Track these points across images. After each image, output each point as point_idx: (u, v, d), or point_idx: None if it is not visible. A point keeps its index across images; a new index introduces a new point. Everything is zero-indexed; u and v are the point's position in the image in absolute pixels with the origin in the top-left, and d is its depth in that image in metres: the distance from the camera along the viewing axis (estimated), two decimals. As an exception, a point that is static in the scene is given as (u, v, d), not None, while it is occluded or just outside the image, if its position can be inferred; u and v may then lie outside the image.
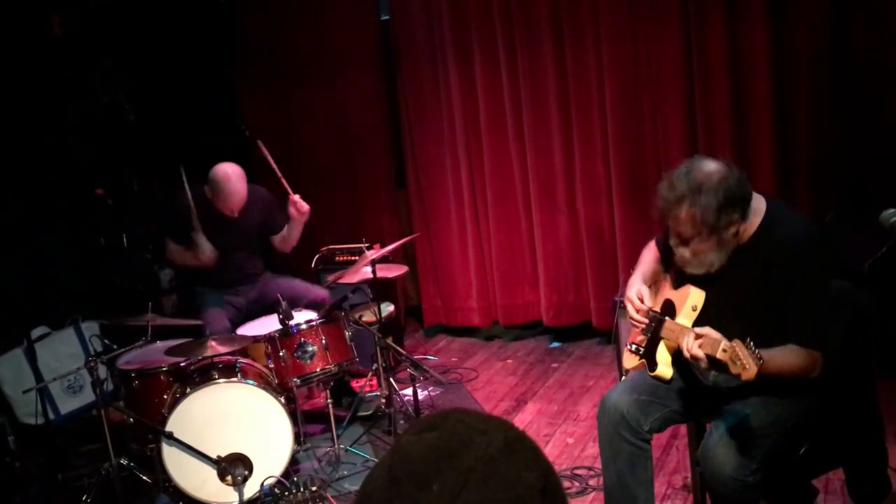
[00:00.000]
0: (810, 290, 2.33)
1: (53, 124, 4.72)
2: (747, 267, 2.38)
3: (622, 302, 3.63)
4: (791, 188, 4.50)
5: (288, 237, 4.49)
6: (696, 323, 2.41)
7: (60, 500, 3.74)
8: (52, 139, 4.70)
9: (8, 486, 3.84)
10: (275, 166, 4.29)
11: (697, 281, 2.47)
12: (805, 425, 2.47)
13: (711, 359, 2.20)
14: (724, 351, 2.13)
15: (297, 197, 4.37)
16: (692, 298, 2.47)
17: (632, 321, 2.67)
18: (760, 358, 2.07)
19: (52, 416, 4.27)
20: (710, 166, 2.31)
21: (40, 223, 4.67)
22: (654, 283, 2.77)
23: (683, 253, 2.39)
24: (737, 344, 2.11)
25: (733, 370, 2.10)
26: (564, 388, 4.59)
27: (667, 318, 2.54)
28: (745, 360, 2.06)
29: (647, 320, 2.60)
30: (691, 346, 2.24)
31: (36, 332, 4.40)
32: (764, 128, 4.47)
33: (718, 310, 2.43)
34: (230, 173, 4.19)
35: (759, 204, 2.40)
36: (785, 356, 2.29)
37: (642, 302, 2.64)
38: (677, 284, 2.61)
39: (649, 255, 2.83)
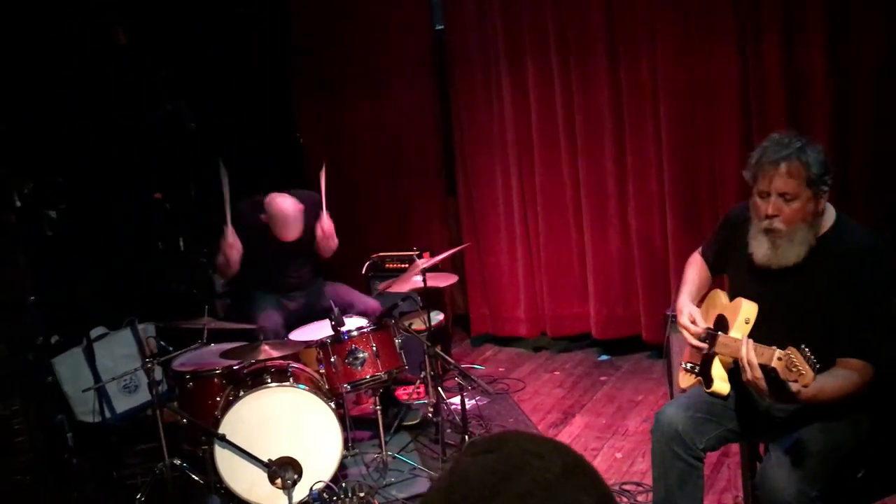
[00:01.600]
0: (871, 301, 2.31)
1: (116, 131, 4.84)
2: (810, 273, 2.35)
3: (673, 316, 3.61)
4: (848, 203, 4.40)
5: (320, 249, 4.49)
6: (750, 336, 2.38)
7: (115, 498, 3.82)
8: (114, 145, 4.83)
9: (66, 482, 3.94)
10: (324, 187, 4.27)
11: (760, 289, 2.45)
12: (863, 449, 2.42)
13: (766, 369, 2.18)
14: (780, 359, 2.11)
15: (326, 216, 4.33)
16: (745, 311, 2.45)
17: (692, 347, 2.65)
18: (816, 363, 2.05)
19: (108, 414, 4.37)
20: (797, 135, 2.38)
21: (101, 227, 4.80)
22: (701, 301, 2.75)
23: (779, 226, 2.35)
24: (791, 351, 2.09)
25: (789, 377, 2.08)
26: (613, 401, 4.56)
27: (720, 332, 2.52)
28: (801, 366, 2.05)
29: (704, 344, 2.57)
30: (747, 353, 2.22)
31: (94, 333, 4.51)
32: (822, 140, 4.37)
33: (772, 321, 2.40)
34: (288, 213, 4.18)
35: (830, 211, 2.42)
36: (835, 381, 2.26)
37: (695, 324, 2.61)
38: (731, 297, 2.58)
39: (694, 272, 2.80)
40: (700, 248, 2.88)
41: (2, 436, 3.64)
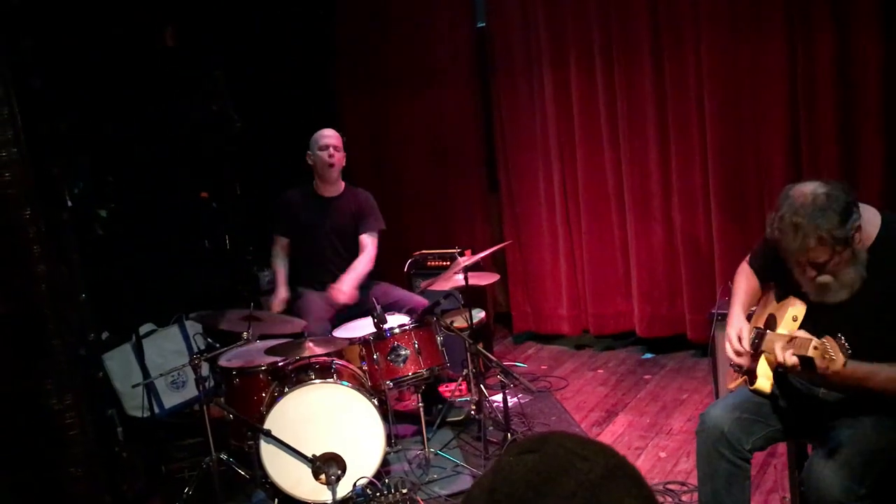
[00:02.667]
0: None
1: (164, 131, 4.94)
2: (865, 284, 2.30)
3: (719, 315, 3.57)
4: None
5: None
6: None
7: (164, 492, 3.90)
8: (162, 145, 4.92)
9: (116, 475, 4.03)
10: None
11: (802, 293, 2.41)
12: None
13: (805, 361, 2.16)
14: (816, 348, 2.09)
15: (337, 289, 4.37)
16: (793, 310, 2.43)
17: (730, 364, 2.63)
18: (849, 350, 2.04)
19: (156, 409, 4.45)
20: (809, 188, 2.27)
21: (150, 225, 4.90)
22: (755, 310, 2.72)
23: (825, 280, 2.31)
24: (827, 339, 2.08)
25: (822, 364, 2.06)
26: (657, 400, 4.52)
27: (768, 331, 2.49)
28: (832, 353, 2.04)
29: (743, 363, 2.55)
30: (782, 353, 2.22)
31: (143, 329, 4.60)
32: (873, 139, 4.29)
33: (823, 321, 2.36)
34: (329, 135, 4.51)
35: (873, 216, 2.35)
36: (891, 369, 2.23)
37: (740, 342, 2.56)
38: (780, 297, 2.55)
39: (744, 282, 2.76)
40: (748, 258, 2.83)
41: (56, 429, 3.74)
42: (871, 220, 2.34)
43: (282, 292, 4.45)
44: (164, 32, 5.00)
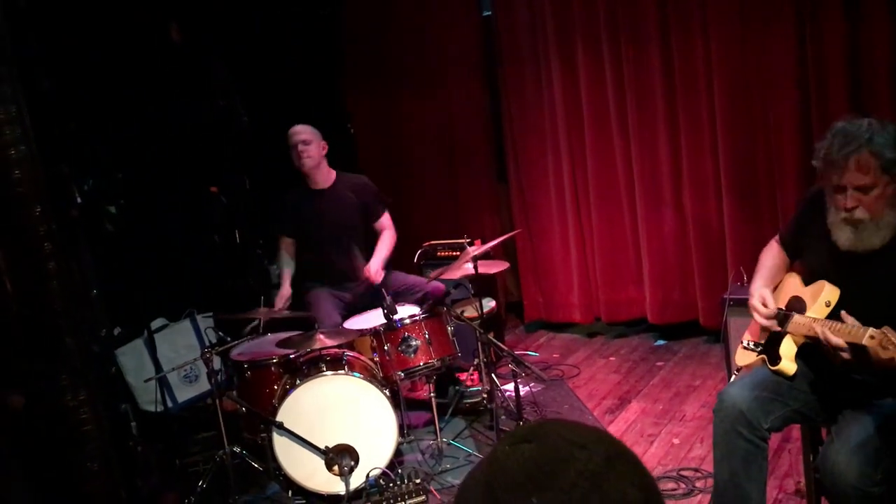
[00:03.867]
0: None
1: (172, 126, 4.94)
2: (893, 255, 2.28)
3: (731, 300, 3.54)
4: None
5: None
6: (829, 318, 2.34)
7: (178, 485, 3.92)
8: (171, 141, 4.93)
9: (131, 469, 4.05)
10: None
11: (845, 274, 2.40)
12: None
13: (857, 349, 2.14)
14: (872, 337, 2.06)
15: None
16: (826, 294, 2.41)
17: (761, 328, 2.62)
18: None
19: (170, 404, 4.48)
20: (864, 119, 2.29)
21: (160, 221, 4.91)
22: (776, 286, 2.70)
23: (862, 216, 2.29)
24: (887, 329, 2.05)
25: (884, 355, 2.03)
26: (670, 387, 4.50)
27: (794, 313, 2.47)
28: None
29: (774, 322, 2.55)
30: (832, 338, 2.20)
31: (155, 324, 4.62)
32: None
33: (860, 300, 2.33)
34: (294, 127, 4.46)
35: None
36: None
37: (765, 306, 2.56)
38: (811, 280, 2.52)
39: (770, 259, 2.74)
40: (777, 235, 2.81)
41: (71, 425, 3.76)
42: None
43: (285, 289, 4.46)
44: (170, 27, 4.99)
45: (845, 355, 2.20)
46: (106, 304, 4.24)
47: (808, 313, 2.42)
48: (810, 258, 2.60)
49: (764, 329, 2.60)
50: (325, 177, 4.52)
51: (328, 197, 4.50)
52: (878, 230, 2.30)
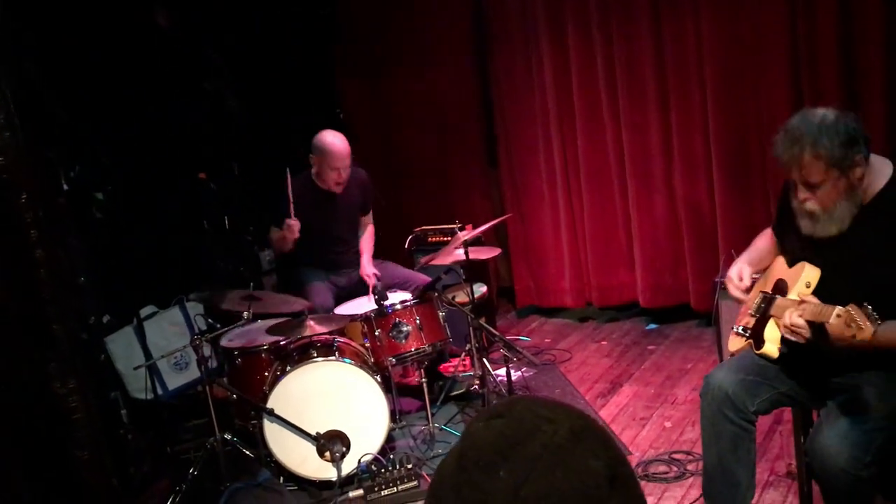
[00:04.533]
0: None
1: (159, 112, 4.89)
2: (872, 229, 2.30)
3: (723, 283, 3.54)
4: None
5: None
6: None
7: (170, 473, 3.90)
8: (157, 126, 4.88)
9: (122, 457, 4.04)
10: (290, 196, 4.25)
11: (813, 258, 2.40)
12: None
13: (818, 328, 2.15)
14: (839, 316, 2.06)
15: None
16: (806, 276, 2.41)
17: (735, 299, 2.63)
18: (878, 319, 2.01)
19: (160, 391, 4.45)
20: (820, 110, 2.30)
21: (148, 207, 4.87)
22: (762, 270, 2.70)
23: (813, 208, 2.32)
24: (852, 307, 2.05)
25: (847, 333, 2.03)
26: (661, 370, 4.51)
27: (778, 296, 2.47)
28: (861, 322, 2.01)
29: (746, 296, 2.57)
30: (790, 316, 2.23)
31: (144, 311, 4.59)
32: (876, 97, 4.22)
33: (838, 282, 2.34)
34: (338, 142, 4.27)
35: (884, 166, 2.35)
36: None
37: (741, 280, 2.58)
38: (791, 263, 2.52)
39: (762, 242, 2.77)
40: (772, 223, 2.82)
41: (60, 413, 3.74)
42: (881, 169, 2.34)
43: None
44: (157, 12, 4.94)
45: (805, 333, 2.22)
46: (94, 291, 4.21)
47: (790, 295, 2.42)
48: (786, 241, 2.62)
49: (752, 314, 2.60)
50: None
51: (336, 198, 4.40)
52: (832, 221, 2.32)
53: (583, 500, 0.88)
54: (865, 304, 2.04)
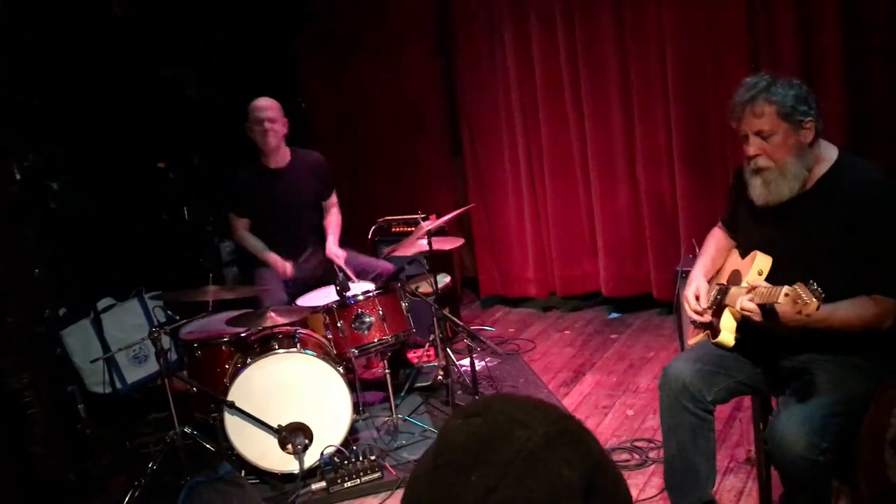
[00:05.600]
0: (887, 234, 2.27)
1: (115, 100, 4.80)
2: (818, 212, 2.34)
3: (684, 272, 3.57)
4: (862, 148, 4.31)
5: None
6: None
7: (129, 467, 3.84)
8: (113, 115, 4.79)
9: (80, 452, 3.97)
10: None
11: (765, 244, 2.43)
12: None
13: (770, 311, 2.18)
14: (787, 294, 2.09)
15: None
16: (758, 263, 2.43)
17: (690, 320, 2.65)
18: (822, 294, 2.04)
19: (119, 385, 4.39)
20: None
21: (104, 197, 4.78)
22: (717, 272, 2.72)
23: (764, 164, 2.36)
24: (798, 285, 2.08)
25: (794, 309, 2.06)
26: (624, 359, 4.54)
27: (731, 286, 2.49)
28: (806, 298, 2.04)
29: (700, 318, 2.58)
30: (742, 302, 2.26)
31: (102, 304, 4.51)
32: (834, 88, 4.26)
33: (788, 267, 2.36)
34: (260, 102, 4.25)
35: (830, 151, 2.40)
36: (851, 307, 2.26)
37: (698, 301, 2.59)
38: (744, 254, 2.55)
39: (711, 244, 2.78)
40: (720, 218, 2.84)
41: (14, 408, 3.66)
42: (827, 153, 2.40)
43: (273, 254, 4.27)
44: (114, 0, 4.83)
45: (756, 317, 2.25)
46: (50, 283, 4.13)
47: (743, 283, 2.44)
48: (741, 230, 2.64)
49: (708, 307, 2.62)
50: (283, 155, 4.37)
51: (285, 176, 4.34)
52: (785, 180, 2.36)
53: None
54: (811, 282, 2.07)
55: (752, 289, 2.26)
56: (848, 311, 2.26)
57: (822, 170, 2.37)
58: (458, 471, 0.89)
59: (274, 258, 4.24)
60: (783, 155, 2.34)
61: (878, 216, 2.27)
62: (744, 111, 2.36)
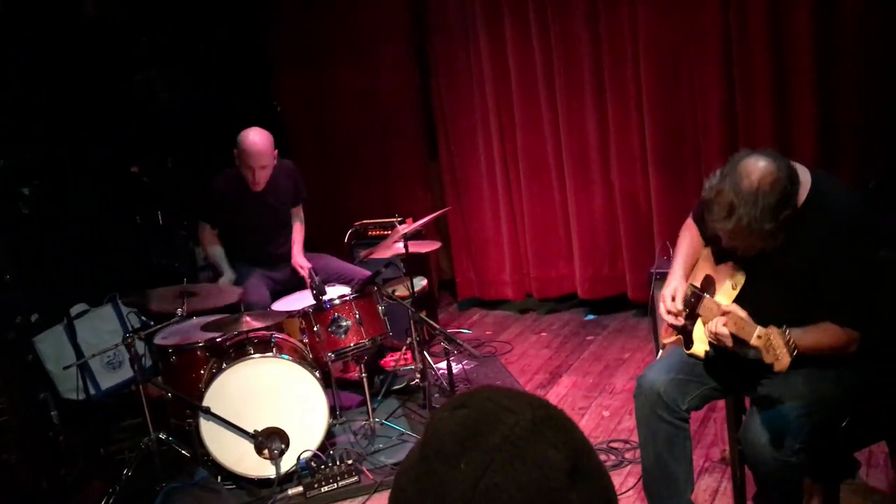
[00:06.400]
0: (852, 267, 2.27)
1: (87, 104, 4.75)
2: (792, 242, 2.32)
3: (658, 274, 3.59)
4: (833, 154, 4.38)
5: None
6: (736, 301, 2.37)
7: (103, 474, 3.81)
8: (86, 119, 4.74)
9: (53, 459, 3.92)
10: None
11: (738, 260, 2.43)
12: (847, 398, 2.42)
13: (741, 341, 2.20)
14: (759, 337, 2.11)
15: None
16: (732, 279, 2.44)
17: (664, 321, 2.64)
18: (795, 348, 2.05)
19: (92, 391, 4.35)
20: (759, 167, 2.16)
21: (79, 202, 4.73)
22: (692, 267, 2.72)
23: (742, 254, 2.34)
24: (772, 331, 2.08)
25: (766, 359, 2.08)
26: (600, 360, 4.56)
27: (706, 295, 2.49)
28: (778, 351, 2.06)
29: (677, 323, 2.56)
30: (716, 326, 2.26)
31: (75, 310, 4.47)
32: (806, 92, 4.33)
33: (760, 287, 2.38)
34: (258, 140, 4.09)
35: (804, 175, 2.31)
36: (818, 336, 2.26)
37: (674, 301, 2.57)
38: (718, 260, 2.55)
39: (686, 240, 2.74)
40: (692, 213, 2.79)
41: (-14, 416, 3.62)
42: (802, 181, 2.30)
43: (229, 272, 4.24)
44: (85, 1, 4.79)
45: (728, 343, 2.25)
46: (22, 289, 4.08)
47: (717, 296, 2.45)
48: (715, 240, 2.55)
49: (669, 329, 2.63)
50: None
51: (264, 196, 4.26)
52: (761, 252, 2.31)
53: (541, 492, 0.87)
54: (785, 329, 2.07)
55: (726, 313, 2.26)
56: (816, 338, 2.25)
57: (801, 196, 2.28)
58: (446, 460, 0.90)
59: (222, 280, 4.19)
60: (759, 246, 2.27)
61: (847, 247, 2.25)
62: (720, 226, 2.23)
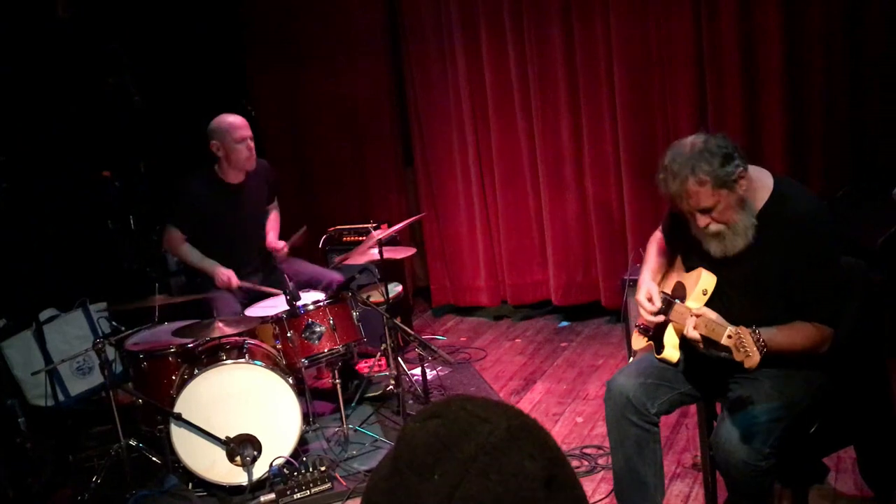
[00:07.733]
0: (820, 266, 2.33)
1: (58, 106, 4.69)
2: (759, 245, 2.35)
3: (631, 281, 3.62)
4: (803, 164, 4.46)
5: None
6: (707, 306, 2.39)
7: (71, 482, 3.75)
8: (56, 121, 4.68)
9: (20, 467, 3.86)
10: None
11: (708, 264, 2.45)
12: (816, 404, 2.45)
13: (712, 342, 2.23)
14: (730, 337, 2.14)
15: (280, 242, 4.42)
16: (703, 282, 2.46)
17: (636, 325, 2.67)
18: (764, 346, 2.08)
19: (61, 397, 4.28)
20: (687, 139, 2.36)
21: (47, 205, 4.67)
22: (663, 275, 2.75)
23: (717, 228, 2.35)
24: (742, 331, 2.11)
25: (737, 357, 2.11)
26: (573, 367, 4.58)
27: (677, 300, 2.51)
28: (749, 348, 2.09)
29: (658, 319, 2.58)
30: (687, 329, 2.31)
31: (44, 315, 4.39)
32: (775, 104, 4.41)
33: (729, 292, 2.41)
34: (236, 115, 4.11)
35: (765, 179, 2.39)
36: (790, 334, 2.30)
37: (651, 302, 2.59)
38: (688, 267, 2.58)
39: (654, 249, 2.79)
40: (660, 227, 2.85)
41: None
42: (762, 181, 2.39)
43: (217, 264, 4.15)
44: (56, 2, 4.73)
45: (700, 346, 2.31)
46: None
47: (688, 301, 2.47)
48: (685, 246, 2.61)
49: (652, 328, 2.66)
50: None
51: (244, 192, 4.23)
52: (737, 235, 2.35)
53: (517, 502, 0.86)
54: (754, 328, 2.11)
55: (697, 316, 2.29)
56: (788, 337, 2.29)
57: (762, 198, 2.37)
58: (420, 471, 0.88)
59: (218, 269, 4.13)
60: (731, 215, 2.32)
61: (813, 246, 2.31)
62: (680, 196, 2.33)
